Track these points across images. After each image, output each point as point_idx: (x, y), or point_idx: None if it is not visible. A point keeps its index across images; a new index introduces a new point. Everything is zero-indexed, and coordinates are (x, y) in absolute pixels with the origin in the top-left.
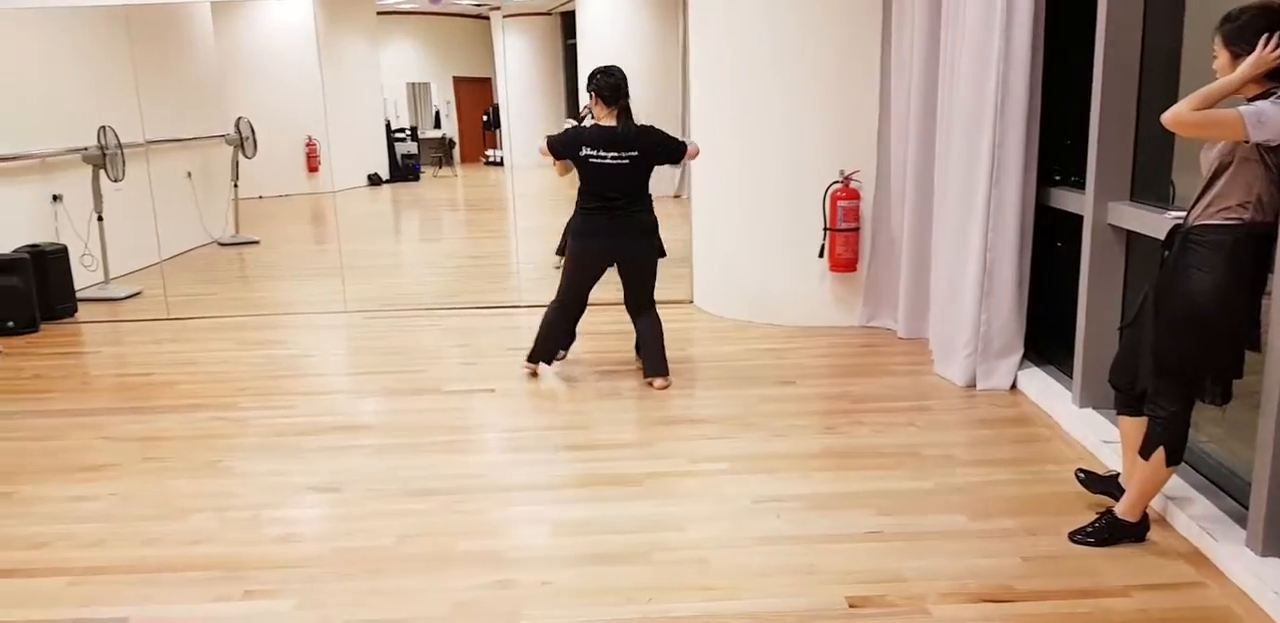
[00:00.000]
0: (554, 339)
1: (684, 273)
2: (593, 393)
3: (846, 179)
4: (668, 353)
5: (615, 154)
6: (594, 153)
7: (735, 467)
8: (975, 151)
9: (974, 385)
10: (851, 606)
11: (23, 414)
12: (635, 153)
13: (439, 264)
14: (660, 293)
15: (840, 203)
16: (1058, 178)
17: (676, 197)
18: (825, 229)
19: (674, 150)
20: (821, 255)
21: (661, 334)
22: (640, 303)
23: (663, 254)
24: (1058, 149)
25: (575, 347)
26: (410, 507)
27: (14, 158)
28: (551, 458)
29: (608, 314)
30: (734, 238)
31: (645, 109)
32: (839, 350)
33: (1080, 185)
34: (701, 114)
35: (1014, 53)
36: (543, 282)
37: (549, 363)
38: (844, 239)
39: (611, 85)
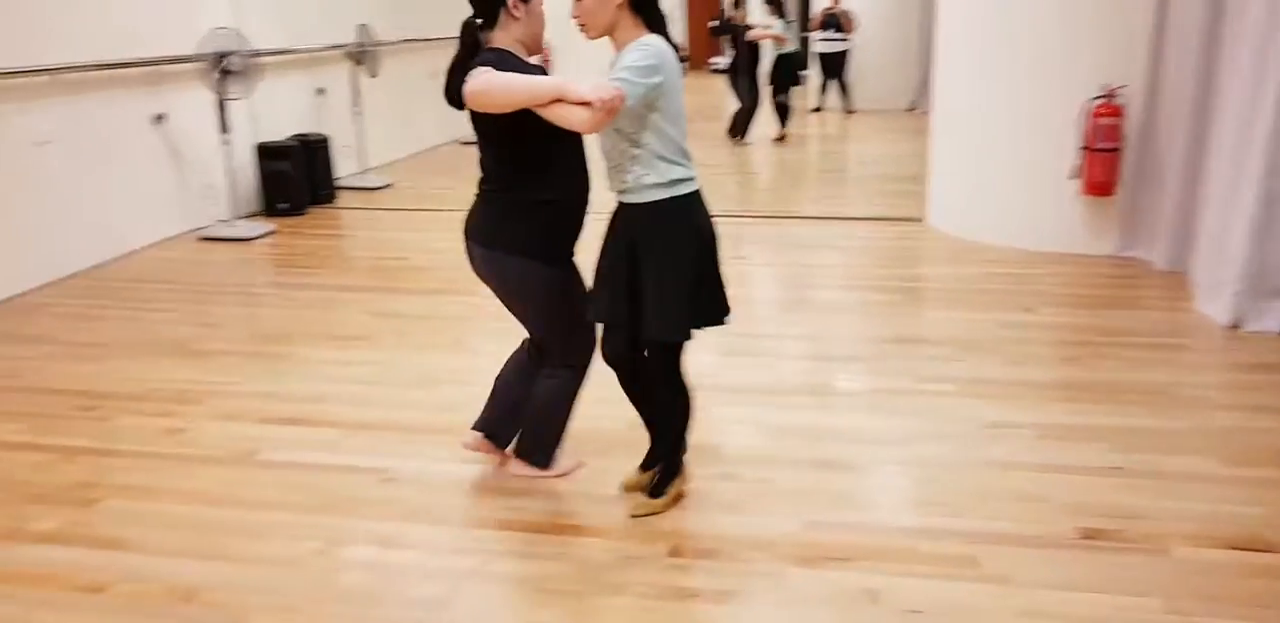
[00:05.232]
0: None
1: (918, 190)
2: (828, 306)
3: (1110, 94)
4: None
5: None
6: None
7: (963, 389)
8: (1263, 69)
9: (1239, 327)
10: (1084, 537)
11: (296, 286)
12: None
13: None
14: (889, 209)
15: (1100, 120)
16: None
17: (910, 109)
18: (1081, 148)
19: None
20: (1074, 177)
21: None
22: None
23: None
24: None
25: None
26: None
27: (284, 52)
28: (774, 364)
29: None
30: (976, 154)
31: (886, 16)
32: (1087, 280)
33: None
34: (950, 21)
35: None
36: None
37: None
38: (1101, 160)
39: None
